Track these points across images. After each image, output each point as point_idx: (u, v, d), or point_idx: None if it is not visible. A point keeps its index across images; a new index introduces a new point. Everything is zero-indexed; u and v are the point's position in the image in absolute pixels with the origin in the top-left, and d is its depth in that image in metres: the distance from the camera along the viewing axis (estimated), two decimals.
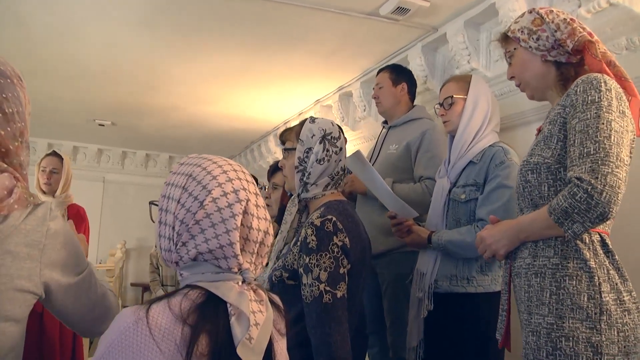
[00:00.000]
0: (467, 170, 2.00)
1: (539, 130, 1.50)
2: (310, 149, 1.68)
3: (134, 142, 7.02)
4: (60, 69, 4.04)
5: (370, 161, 2.72)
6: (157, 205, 1.06)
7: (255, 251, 1.00)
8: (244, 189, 0.99)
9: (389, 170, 2.55)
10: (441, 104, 2.10)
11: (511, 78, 1.60)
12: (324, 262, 1.50)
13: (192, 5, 2.88)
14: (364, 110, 3.99)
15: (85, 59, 3.79)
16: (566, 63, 1.46)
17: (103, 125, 5.73)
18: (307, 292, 1.50)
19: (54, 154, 3.13)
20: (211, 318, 0.90)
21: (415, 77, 2.85)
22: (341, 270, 1.52)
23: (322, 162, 1.67)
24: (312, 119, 1.74)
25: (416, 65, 3.14)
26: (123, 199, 7.54)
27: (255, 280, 1.00)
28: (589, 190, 1.21)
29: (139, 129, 6.05)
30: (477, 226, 1.88)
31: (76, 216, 3.05)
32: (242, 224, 0.97)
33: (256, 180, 2.90)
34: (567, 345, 1.26)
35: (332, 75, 4.03)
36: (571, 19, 1.46)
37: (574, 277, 1.29)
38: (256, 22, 3.07)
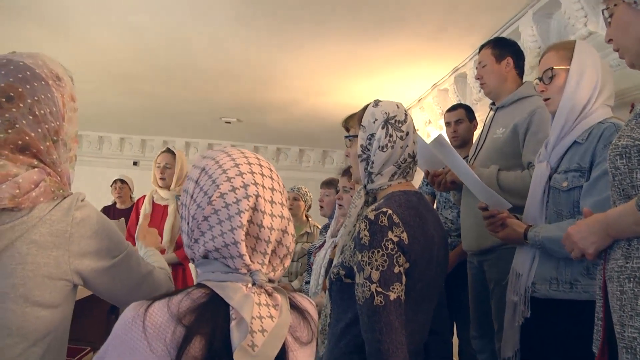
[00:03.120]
0: (570, 153, 1.69)
1: (633, 107, 1.20)
2: (372, 135, 1.53)
3: (264, 137, 7.33)
4: (179, 74, 4.35)
5: (477, 148, 2.47)
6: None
7: (269, 252, 0.92)
8: (255, 184, 0.92)
9: (495, 156, 2.28)
10: (540, 79, 1.79)
11: (609, 41, 1.31)
12: (376, 260, 1.35)
13: None
14: (479, 91, 3.66)
15: (197, 62, 4.02)
16: None
17: (229, 123, 6.04)
18: (359, 292, 1.37)
19: (168, 150, 3.31)
20: (209, 320, 0.84)
21: (527, 49, 2.53)
22: (396, 270, 1.35)
23: (384, 149, 1.51)
24: (376, 102, 1.58)
25: (528, 36, 2.78)
26: None
27: (270, 282, 0.92)
28: None
29: (265, 125, 6.29)
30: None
31: None
32: (252, 222, 0.90)
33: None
34: None
35: (444, 56, 3.78)
36: None
37: None
38: (351, 8, 2.96)
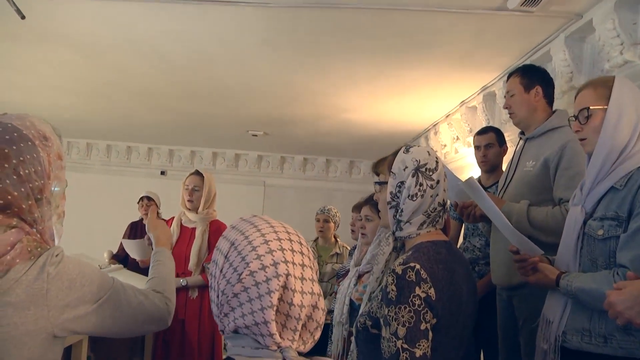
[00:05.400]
0: (607, 199, 1.61)
1: None
2: (402, 182, 1.50)
3: (291, 148, 7.33)
4: (206, 92, 4.43)
5: (506, 179, 2.41)
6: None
7: (299, 328, 0.92)
8: (285, 262, 0.92)
9: (525, 190, 2.22)
10: (576, 117, 1.71)
11: None
12: (403, 316, 1.33)
13: (307, 23, 2.88)
14: None
15: (224, 81, 4.08)
16: None
17: (256, 136, 6.07)
18: (385, 347, 1.36)
19: (196, 173, 3.29)
20: None
21: (558, 73, 2.44)
22: (422, 326, 1.33)
23: (414, 198, 1.48)
24: (407, 148, 1.55)
25: (559, 60, 2.69)
26: (283, 201, 7.88)
27: (301, 355, 0.93)
28: None
29: (292, 137, 6.31)
30: (617, 274, 1.49)
31: (216, 232, 3.17)
32: (282, 300, 0.91)
33: None
34: None
35: (473, 76, 3.73)
36: None
37: None
38: (379, 34, 2.95)
